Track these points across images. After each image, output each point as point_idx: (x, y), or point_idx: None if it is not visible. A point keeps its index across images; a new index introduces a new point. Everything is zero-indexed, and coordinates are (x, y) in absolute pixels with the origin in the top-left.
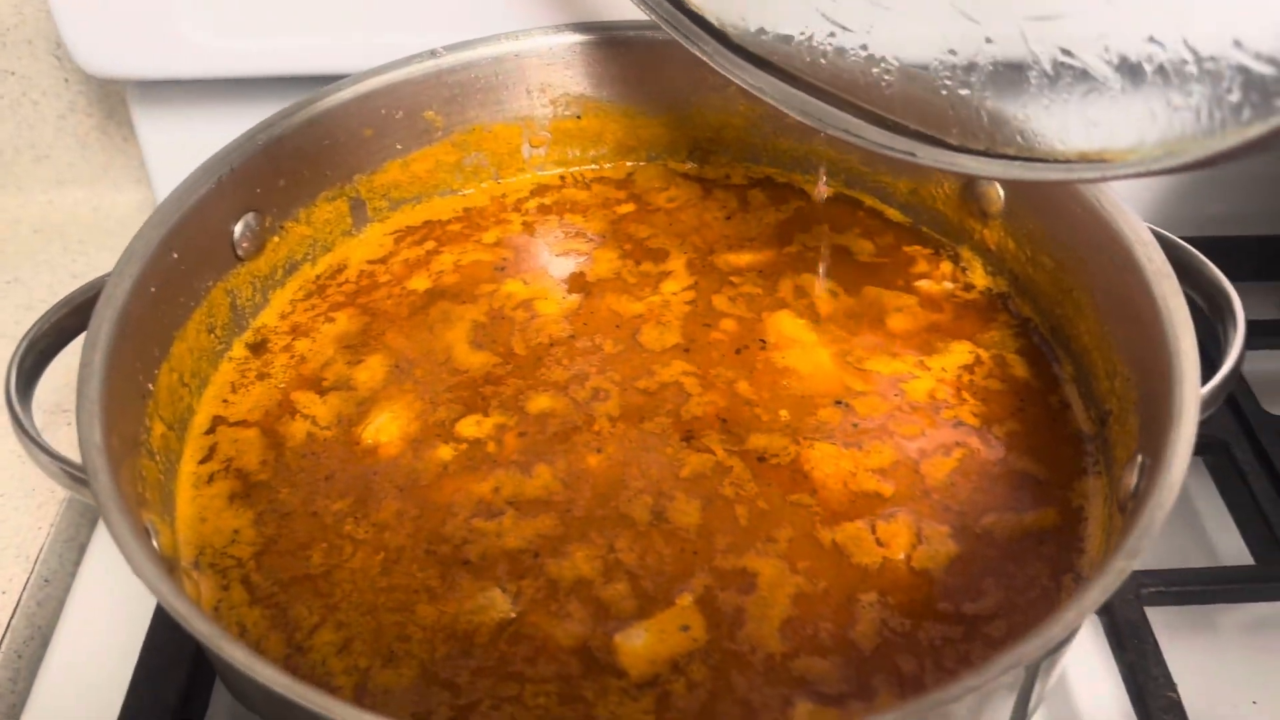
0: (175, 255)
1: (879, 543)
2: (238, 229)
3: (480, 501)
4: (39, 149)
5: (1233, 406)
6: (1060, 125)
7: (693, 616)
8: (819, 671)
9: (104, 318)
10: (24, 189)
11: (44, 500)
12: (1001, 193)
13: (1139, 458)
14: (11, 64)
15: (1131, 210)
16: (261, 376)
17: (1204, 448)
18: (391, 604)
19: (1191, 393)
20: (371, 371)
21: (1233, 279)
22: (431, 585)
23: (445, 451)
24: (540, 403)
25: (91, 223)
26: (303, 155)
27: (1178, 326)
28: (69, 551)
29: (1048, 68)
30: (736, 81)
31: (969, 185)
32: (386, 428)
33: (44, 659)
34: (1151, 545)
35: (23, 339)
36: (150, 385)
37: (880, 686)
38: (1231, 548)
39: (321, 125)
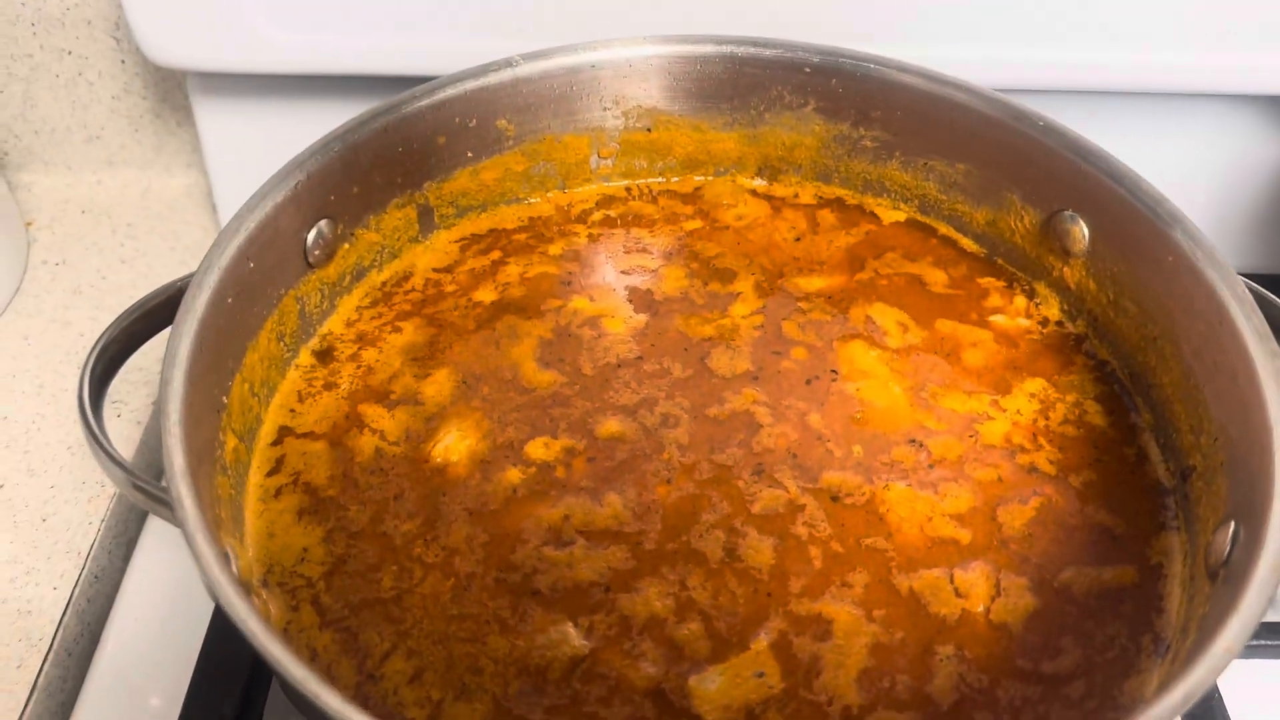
0: (251, 265)
1: (958, 593)
2: (310, 236)
3: (550, 529)
4: (91, 129)
5: None
6: None
7: (768, 662)
8: None
9: (183, 332)
10: (74, 169)
11: (94, 494)
12: (1086, 231)
13: (1232, 524)
14: (69, 43)
15: (1227, 262)
16: (329, 386)
17: None
18: (463, 634)
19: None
20: (439, 386)
21: None
22: (503, 616)
23: (514, 474)
24: (609, 427)
25: (140, 205)
26: (377, 163)
27: (1276, 393)
28: (119, 547)
29: None
30: None
31: (1051, 220)
32: (455, 447)
33: (94, 657)
34: (1249, 631)
35: (94, 347)
36: (224, 398)
37: None
38: None
39: (398, 133)
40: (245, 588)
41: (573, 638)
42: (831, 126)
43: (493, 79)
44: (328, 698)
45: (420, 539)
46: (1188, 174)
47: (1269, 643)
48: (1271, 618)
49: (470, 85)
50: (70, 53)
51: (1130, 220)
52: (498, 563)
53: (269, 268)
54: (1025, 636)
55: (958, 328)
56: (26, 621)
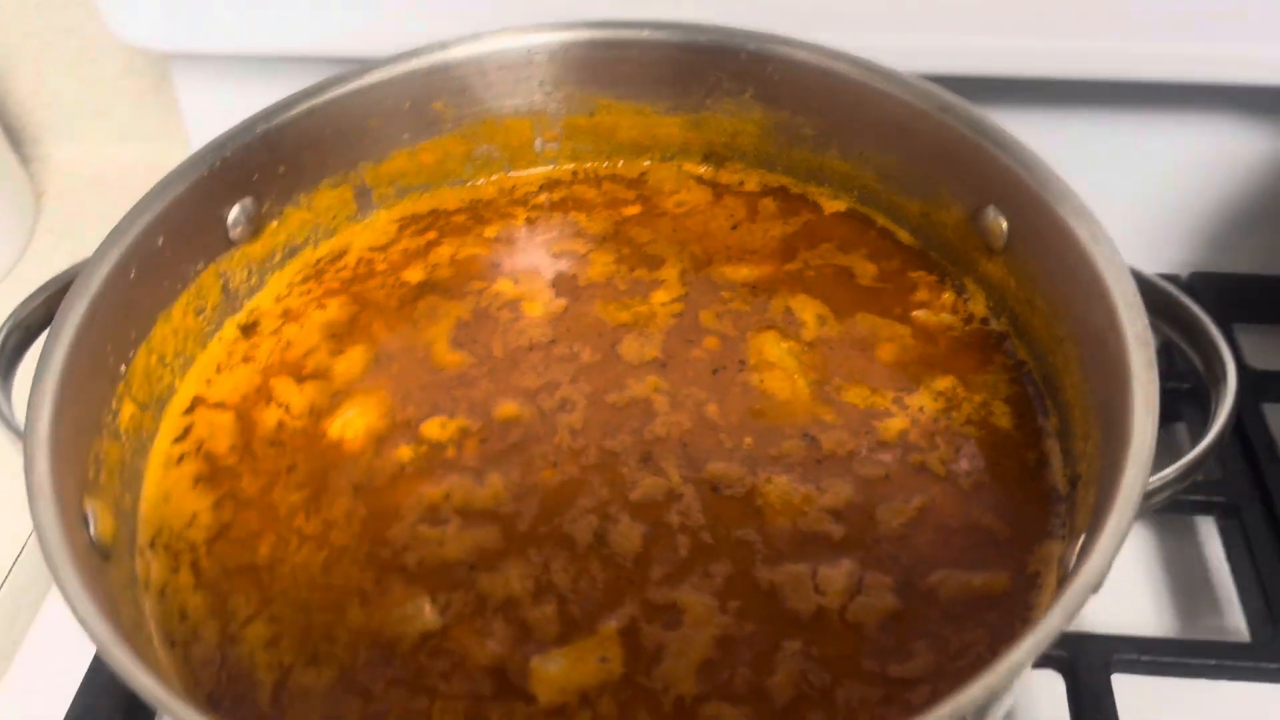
0: (161, 241)
1: (817, 589)
2: (232, 214)
3: (429, 507)
4: (99, 105)
5: (1252, 465)
6: None
7: (613, 648)
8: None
9: (72, 306)
10: (84, 143)
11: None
12: (1005, 225)
13: (1083, 538)
14: (74, 22)
15: (1124, 264)
16: (247, 359)
17: (1215, 509)
18: (325, 603)
19: (1133, 483)
20: (350, 363)
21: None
22: (366, 589)
23: (406, 452)
24: (507, 409)
25: (146, 179)
26: (304, 144)
27: (1141, 402)
28: None
29: None
30: None
31: (975, 214)
32: (353, 423)
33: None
34: (1050, 640)
35: (8, 319)
36: (123, 367)
37: None
38: (1238, 620)
39: (324, 115)
40: (104, 551)
41: (427, 613)
42: (771, 114)
43: (423, 62)
44: (138, 676)
45: (303, 510)
46: (1163, 173)
47: (1170, 660)
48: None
49: (400, 69)
50: (75, 31)
51: (1040, 214)
52: (372, 537)
53: (183, 244)
54: (878, 638)
55: (877, 322)
56: None
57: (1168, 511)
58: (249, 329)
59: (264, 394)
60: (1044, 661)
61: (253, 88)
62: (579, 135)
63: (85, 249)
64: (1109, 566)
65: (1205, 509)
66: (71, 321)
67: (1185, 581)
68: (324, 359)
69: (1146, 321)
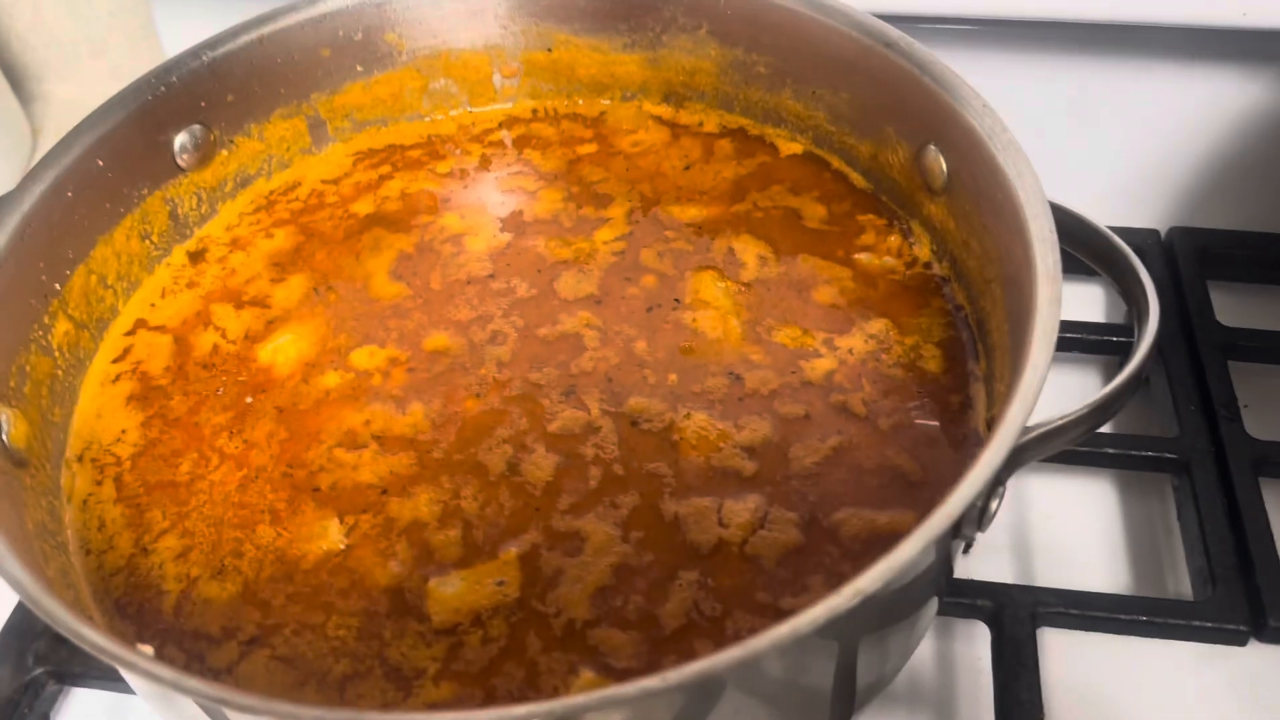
0: (101, 163)
1: (720, 523)
2: (179, 141)
3: (349, 432)
4: (95, 43)
5: (1210, 424)
6: None
7: (511, 572)
8: (613, 644)
9: (0, 222)
10: (84, 82)
11: None
12: (944, 165)
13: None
14: None
15: (1044, 199)
16: (191, 285)
17: (1169, 465)
18: (237, 520)
19: (1015, 417)
20: (289, 291)
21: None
22: (278, 508)
23: (332, 378)
24: (437, 340)
25: None
26: (253, 73)
27: (1039, 337)
28: None
29: None
30: None
31: (919, 155)
32: (285, 349)
33: None
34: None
35: None
36: (57, 285)
37: (669, 667)
38: (1184, 580)
39: (275, 44)
40: (17, 457)
41: (333, 533)
42: (727, 51)
43: None
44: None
45: (227, 431)
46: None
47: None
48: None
49: None
50: None
51: (974, 151)
52: (289, 459)
53: (126, 168)
54: (775, 572)
55: (819, 264)
56: None
57: (1127, 468)
58: (197, 256)
59: (203, 318)
60: (971, 611)
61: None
62: (538, 72)
63: None
64: (971, 504)
65: (1158, 465)
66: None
67: (1142, 541)
68: (264, 287)
69: (1058, 257)
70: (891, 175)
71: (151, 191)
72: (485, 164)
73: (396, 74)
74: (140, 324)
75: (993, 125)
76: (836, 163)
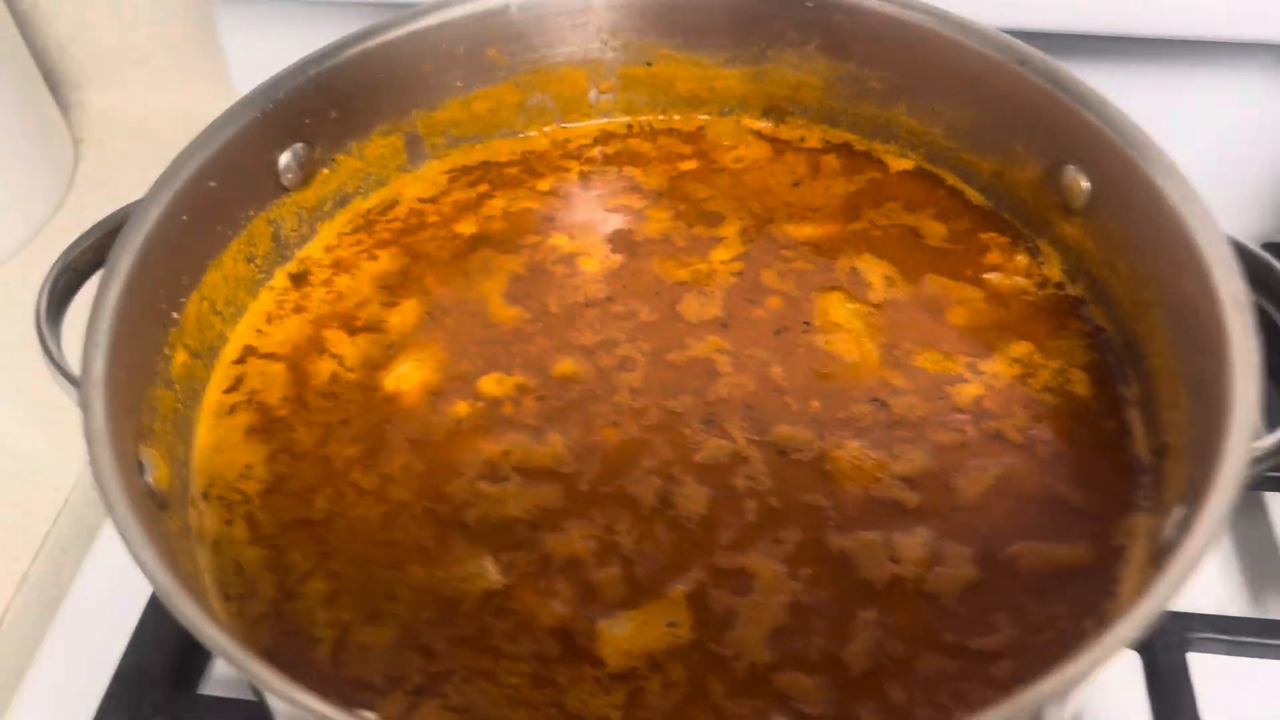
0: (213, 184)
1: (892, 558)
2: (283, 160)
3: (488, 463)
4: (139, 52)
5: None
6: None
7: (681, 612)
8: (802, 689)
9: (125, 247)
10: (125, 91)
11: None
12: (1086, 185)
13: (1179, 509)
14: None
15: (1218, 226)
16: (298, 309)
17: None
18: (385, 560)
19: (1236, 453)
20: (404, 316)
21: None
22: (426, 545)
23: (462, 407)
24: (564, 366)
25: (184, 128)
26: (357, 89)
27: (1241, 368)
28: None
29: None
30: None
31: (1053, 173)
32: (409, 376)
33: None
34: (1152, 618)
35: (56, 262)
36: (175, 314)
37: (864, 714)
38: None
39: (378, 58)
40: (160, 500)
41: (490, 572)
42: (836, 66)
43: (479, 6)
44: (205, 627)
45: (360, 464)
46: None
47: (1249, 640)
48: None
49: (457, 11)
50: None
51: (1126, 174)
52: (430, 493)
53: (235, 189)
54: (957, 609)
55: (947, 284)
56: None
57: (1265, 489)
58: (299, 279)
59: (316, 344)
60: None
61: (298, 33)
62: (635, 86)
63: (124, 198)
64: (1214, 542)
65: (1275, 485)
66: (125, 263)
67: (1255, 559)
68: (376, 311)
69: (1243, 285)
70: (1018, 193)
71: (257, 213)
72: (586, 181)
73: (495, 89)
74: (249, 351)
75: (1148, 148)
76: (951, 179)
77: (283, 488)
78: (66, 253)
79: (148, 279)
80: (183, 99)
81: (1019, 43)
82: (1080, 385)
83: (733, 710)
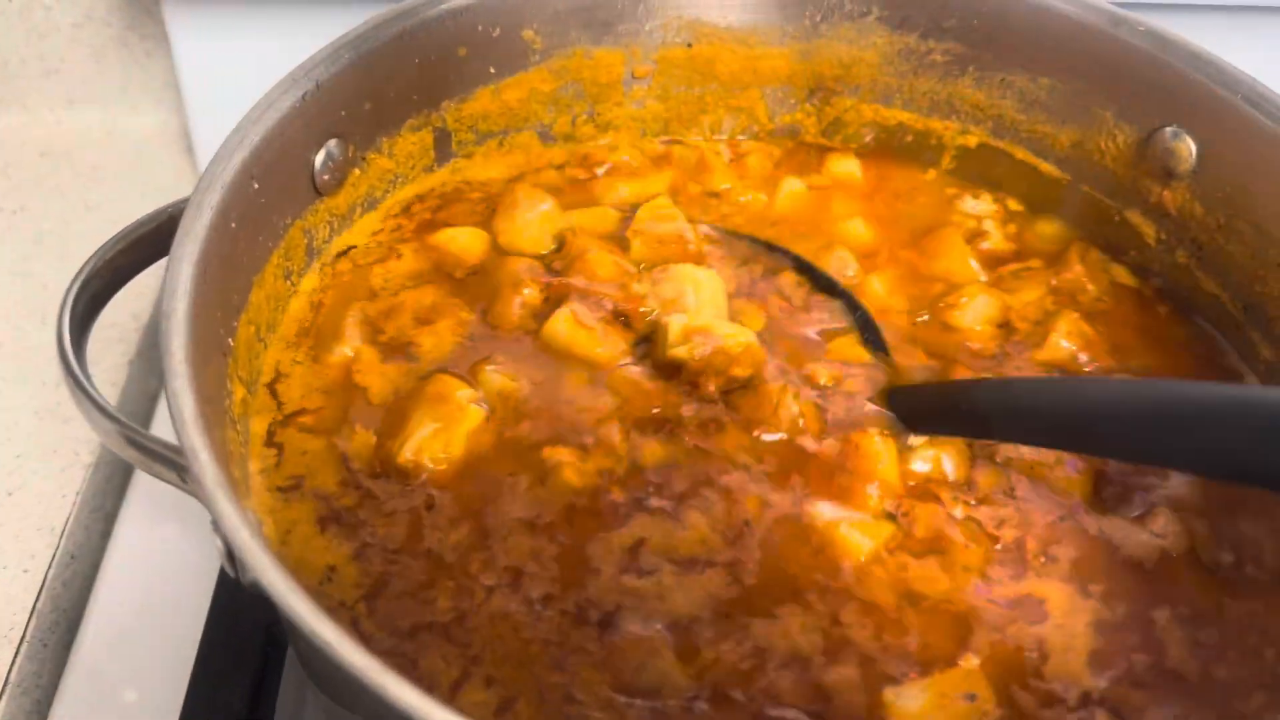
0: (256, 185)
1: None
2: (320, 158)
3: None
4: (49, 61)
5: None
6: None
7: (979, 683)
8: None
9: (183, 256)
10: (30, 107)
11: (68, 464)
12: (1194, 148)
13: None
14: None
15: None
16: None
17: None
18: (545, 660)
19: None
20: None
21: None
22: (588, 647)
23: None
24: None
25: (106, 146)
26: (392, 76)
27: None
28: (96, 523)
29: None
30: None
31: (1151, 139)
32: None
33: (72, 648)
34: None
35: (73, 281)
36: (230, 340)
37: None
38: None
39: (415, 40)
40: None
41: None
42: (896, 39)
43: None
44: (410, 696)
45: (477, 555)
46: None
47: None
48: None
49: None
50: None
51: (1247, 133)
52: (574, 596)
53: (275, 191)
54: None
55: None
56: None
57: None
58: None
59: (349, 423)
60: None
61: (259, 34)
62: (672, 70)
63: (44, 227)
64: None
65: None
66: (187, 277)
67: None
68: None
69: None
70: (1103, 163)
71: (294, 221)
72: None
73: (528, 76)
74: (286, 420)
75: (1274, 102)
76: (1021, 153)
77: (388, 591)
78: (88, 265)
79: (208, 295)
80: (101, 114)
81: (1110, 5)
82: None
83: None
